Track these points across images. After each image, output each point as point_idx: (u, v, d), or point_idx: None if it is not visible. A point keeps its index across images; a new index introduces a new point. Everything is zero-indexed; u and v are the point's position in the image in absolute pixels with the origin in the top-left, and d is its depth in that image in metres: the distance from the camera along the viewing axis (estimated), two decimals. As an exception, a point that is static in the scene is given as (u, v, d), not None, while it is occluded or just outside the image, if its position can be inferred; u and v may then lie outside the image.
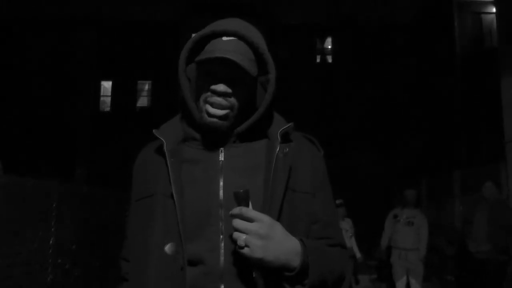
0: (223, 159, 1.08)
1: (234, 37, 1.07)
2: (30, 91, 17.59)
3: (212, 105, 1.05)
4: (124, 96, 18.58)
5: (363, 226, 8.30)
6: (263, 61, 1.11)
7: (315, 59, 19.17)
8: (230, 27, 1.07)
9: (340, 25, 18.64)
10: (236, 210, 0.94)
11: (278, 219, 1.00)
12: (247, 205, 0.95)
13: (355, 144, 16.97)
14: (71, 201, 5.34)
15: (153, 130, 1.12)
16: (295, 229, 1.03)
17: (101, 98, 18.84)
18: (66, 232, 5.16)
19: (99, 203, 6.12)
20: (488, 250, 5.01)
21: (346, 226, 6.47)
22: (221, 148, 1.09)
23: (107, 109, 18.87)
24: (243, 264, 0.96)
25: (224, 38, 1.06)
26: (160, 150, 1.09)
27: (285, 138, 1.10)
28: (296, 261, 0.95)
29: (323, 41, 19.25)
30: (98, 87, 18.78)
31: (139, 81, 18.82)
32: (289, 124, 1.12)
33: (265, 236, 0.92)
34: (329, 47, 19.19)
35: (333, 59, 19.04)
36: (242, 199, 0.95)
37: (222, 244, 1.00)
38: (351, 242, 6.50)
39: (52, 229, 4.87)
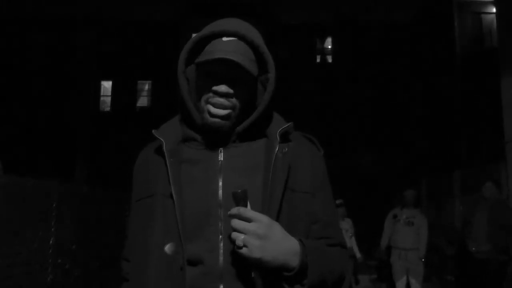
0: (222, 159, 1.08)
1: (234, 37, 1.07)
2: (30, 91, 17.59)
3: (214, 105, 1.05)
4: (124, 96, 18.58)
5: (363, 226, 8.31)
6: (263, 61, 1.11)
7: (315, 59, 19.17)
8: (230, 27, 1.07)
9: (340, 25, 18.64)
10: (234, 210, 0.94)
11: (277, 219, 1.00)
12: (246, 205, 0.95)
13: (355, 144, 16.97)
14: (71, 201, 5.34)
15: (153, 131, 1.13)
16: (295, 229, 1.03)
17: (101, 98, 18.85)
18: (66, 232, 5.16)
19: (99, 203, 6.12)
20: (488, 250, 5.01)
21: (346, 226, 6.47)
22: (221, 148, 1.09)
23: (107, 109, 18.87)
24: (242, 264, 0.96)
25: (224, 39, 1.06)
26: (159, 150, 1.09)
27: (285, 137, 1.10)
28: (294, 261, 0.95)
29: (323, 41, 19.25)
30: (98, 87, 18.78)
31: (139, 81, 18.82)
32: (288, 124, 1.12)
33: (264, 236, 0.92)
34: (329, 47, 19.19)
35: (333, 59, 19.04)
36: (240, 199, 0.95)
37: (221, 244, 1.00)
38: (351, 242, 6.50)
39: (52, 229, 4.87)
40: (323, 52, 19.22)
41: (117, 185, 6.47)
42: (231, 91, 1.05)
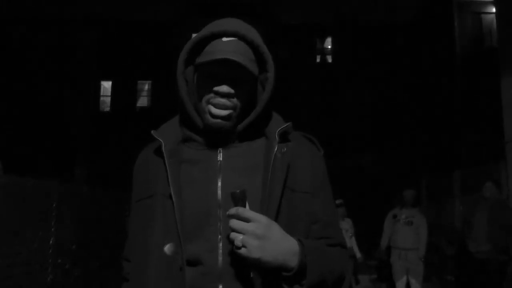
0: (221, 159, 1.08)
1: (234, 37, 1.07)
2: (30, 91, 17.59)
3: (216, 106, 1.05)
4: (124, 96, 18.58)
5: (363, 226, 8.31)
6: (263, 61, 1.11)
7: (315, 59, 19.17)
8: (229, 27, 1.07)
9: (340, 25, 18.64)
10: (233, 210, 0.94)
11: (276, 218, 1.00)
12: (244, 205, 0.95)
13: (355, 144, 16.97)
14: (71, 201, 5.34)
15: (152, 131, 1.13)
16: (295, 229, 1.02)
17: (101, 98, 18.85)
18: (66, 232, 5.17)
19: (99, 203, 6.12)
20: (488, 250, 5.01)
21: (346, 226, 6.47)
22: (220, 149, 1.09)
23: (107, 109, 18.87)
24: (241, 264, 0.96)
25: (224, 39, 1.06)
26: (159, 151, 1.09)
27: (284, 137, 1.10)
28: (293, 261, 0.95)
29: (323, 41, 19.26)
30: (98, 87, 18.78)
31: (139, 81, 18.82)
32: (287, 124, 1.12)
33: (262, 237, 0.92)
34: (329, 47, 19.20)
35: (333, 59, 19.04)
36: (239, 199, 0.94)
37: (221, 245, 1.00)
38: (351, 242, 6.50)
39: (52, 229, 4.87)
40: (323, 52, 19.22)
41: (117, 185, 6.47)
42: (232, 91, 1.05)
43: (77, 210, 5.50)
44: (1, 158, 4.52)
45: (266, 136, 1.12)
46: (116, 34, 18.61)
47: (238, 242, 0.92)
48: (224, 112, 1.05)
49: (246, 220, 0.93)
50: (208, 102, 1.06)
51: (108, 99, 18.84)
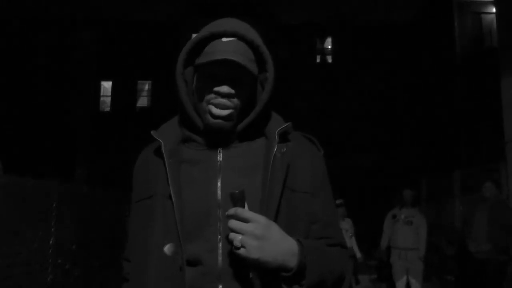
0: (221, 159, 1.08)
1: (233, 37, 1.07)
2: (30, 91, 17.59)
3: (217, 106, 1.06)
4: (124, 96, 18.58)
5: (363, 226, 8.31)
6: (262, 60, 1.11)
7: (315, 59, 19.17)
8: (229, 27, 1.07)
9: (340, 25, 18.64)
10: (232, 211, 0.94)
11: (276, 219, 1.00)
12: (243, 206, 0.95)
13: (355, 144, 16.97)
14: (71, 201, 5.33)
15: (151, 132, 1.13)
16: (295, 229, 1.03)
17: (101, 98, 18.84)
18: (66, 232, 5.16)
19: (99, 203, 6.12)
20: (488, 250, 5.01)
21: (346, 226, 6.47)
22: (220, 149, 1.09)
23: (107, 109, 18.87)
24: (240, 264, 0.96)
25: (224, 39, 1.06)
26: (159, 151, 1.10)
27: (283, 137, 1.10)
28: (293, 262, 0.95)
29: (323, 41, 19.25)
30: (98, 87, 18.78)
31: (139, 81, 18.82)
32: (287, 124, 1.12)
33: (261, 237, 0.92)
34: (329, 47, 19.19)
35: (333, 59, 19.04)
36: (238, 200, 0.94)
37: (220, 245, 1.00)
38: (351, 242, 6.50)
39: (52, 229, 4.86)
40: (323, 52, 19.22)
41: (117, 185, 6.47)
42: (232, 91, 1.05)
43: (77, 210, 5.49)
44: (1, 158, 4.52)
45: (266, 136, 1.12)
46: (116, 34, 18.61)
47: (237, 243, 0.92)
48: (224, 112, 1.05)
49: (245, 220, 0.93)
50: (209, 103, 1.06)
51: (108, 99, 18.84)
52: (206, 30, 1.09)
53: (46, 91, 17.62)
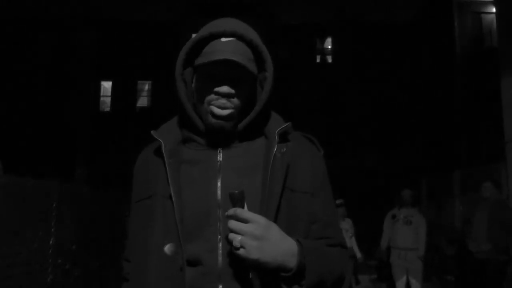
0: (221, 160, 1.08)
1: (232, 37, 1.07)
2: (30, 91, 17.60)
3: (218, 106, 1.06)
4: (124, 96, 18.59)
5: (363, 226, 8.30)
6: (262, 60, 1.11)
7: (315, 59, 19.18)
8: (228, 27, 1.07)
9: (340, 25, 18.64)
10: (231, 211, 0.94)
11: (276, 219, 1.00)
12: (242, 206, 0.95)
13: (355, 144, 16.98)
14: (71, 201, 5.33)
15: (152, 132, 1.13)
16: (295, 229, 1.03)
17: (101, 98, 18.85)
18: (66, 232, 5.16)
19: (99, 203, 6.12)
20: (488, 250, 5.01)
21: (346, 226, 6.47)
22: (219, 149, 1.09)
23: (107, 109, 18.87)
24: (240, 264, 0.96)
25: (223, 39, 1.06)
26: (159, 151, 1.10)
27: (283, 137, 1.10)
28: (292, 262, 0.95)
29: (323, 41, 19.26)
30: (98, 87, 18.78)
31: (139, 81, 18.83)
32: (287, 124, 1.12)
33: (261, 237, 0.92)
34: (329, 47, 19.20)
35: (333, 59, 19.04)
36: (237, 200, 0.94)
37: (220, 245, 1.00)
38: (351, 242, 6.50)
39: (52, 229, 4.86)
40: (323, 52, 19.22)
41: (117, 185, 6.47)
42: (232, 91, 1.05)
43: (77, 210, 5.49)
44: (1, 158, 4.52)
45: (266, 136, 1.12)
46: (116, 34, 18.61)
47: (236, 243, 0.92)
48: (225, 112, 1.06)
49: (244, 221, 0.93)
50: (210, 103, 1.06)
51: (108, 99, 18.84)
52: (205, 30, 1.09)
53: (46, 91, 17.63)
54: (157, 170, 1.09)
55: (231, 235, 0.93)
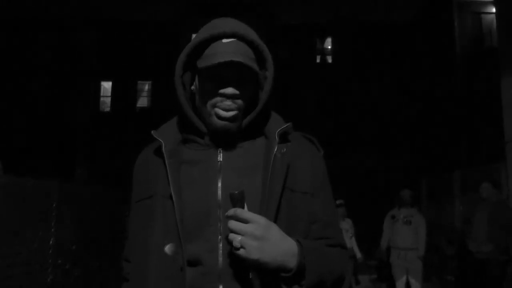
0: (221, 160, 1.08)
1: (233, 38, 1.06)
2: (30, 91, 17.59)
3: (223, 108, 1.05)
4: (124, 96, 18.58)
5: (363, 226, 8.30)
6: (262, 59, 1.11)
7: (315, 59, 19.17)
8: (228, 28, 1.07)
9: (340, 25, 18.64)
10: (231, 211, 0.94)
11: (276, 219, 1.00)
12: (243, 206, 0.95)
13: (355, 144, 16.97)
14: (71, 201, 5.33)
15: (152, 132, 1.13)
16: (295, 229, 1.03)
17: (101, 98, 18.85)
18: (66, 232, 5.16)
19: (99, 203, 6.12)
20: (489, 250, 5.01)
21: (346, 226, 6.46)
22: (220, 149, 1.09)
23: (107, 109, 18.87)
24: (240, 265, 0.96)
25: (224, 40, 1.06)
26: (159, 151, 1.09)
27: (284, 138, 1.10)
28: (292, 262, 0.95)
29: (323, 41, 19.26)
30: (98, 87, 18.78)
31: (139, 81, 18.82)
32: (287, 124, 1.12)
33: (261, 238, 0.92)
34: (329, 47, 19.20)
35: (333, 59, 19.04)
36: (237, 200, 0.94)
37: (220, 245, 1.00)
38: (351, 242, 6.49)
39: (52, 229, 4.86)
40: (323, 52, 19.22)
41: (117, 185, 6.47)
42: (237, 92, 1.05)
43: (77, 210, 5.49)
44: (1, 158, 4.52)
45: (266, 136, 1.12)
46: (116, 34, 18.61)
47: (236, 243, 0.92)
48: (230, 114, 1.05)
49: (244, 221, 0.93)
50: (214, 105, 1.06)
51: (108, 99, 18.84)
52: (204, 32, 1.08)
53: (46, 91, 17.63)
54: (157, 170, 1.09)
55: (231, 235, 0.93)
